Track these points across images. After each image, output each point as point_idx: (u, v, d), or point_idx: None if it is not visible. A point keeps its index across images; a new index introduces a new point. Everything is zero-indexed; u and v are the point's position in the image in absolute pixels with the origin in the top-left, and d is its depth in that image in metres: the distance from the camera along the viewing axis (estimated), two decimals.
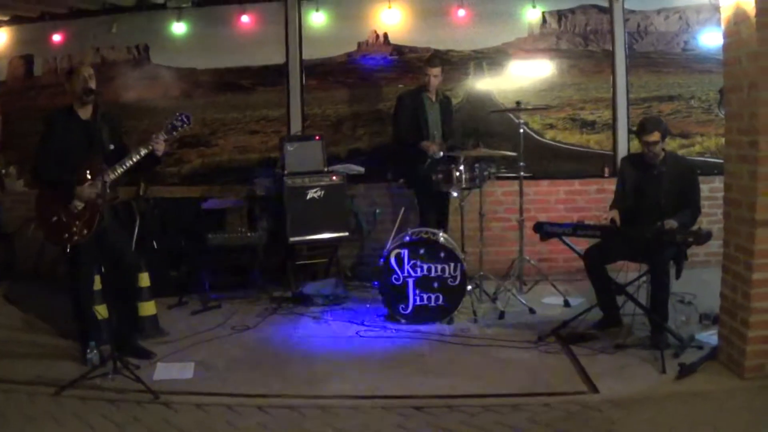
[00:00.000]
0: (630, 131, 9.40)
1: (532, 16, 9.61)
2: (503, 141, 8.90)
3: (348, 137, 9.93)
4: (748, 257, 5.48)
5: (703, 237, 5.89)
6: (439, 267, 7.31)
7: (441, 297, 7.32)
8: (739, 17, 5.50)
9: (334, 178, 8.77)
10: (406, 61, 9.82)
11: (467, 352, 6.55)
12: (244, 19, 9.78)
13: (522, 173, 8.37)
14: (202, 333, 7.21)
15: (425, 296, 7.34)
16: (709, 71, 9.37)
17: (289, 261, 8.90)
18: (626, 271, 6.72)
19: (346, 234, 8.81)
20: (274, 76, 9.97)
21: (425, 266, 7.33)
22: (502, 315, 7.54)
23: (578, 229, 6.55)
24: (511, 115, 8.77)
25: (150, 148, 6.24)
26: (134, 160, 6.20)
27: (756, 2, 5.24)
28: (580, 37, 9.67)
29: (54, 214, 6.11)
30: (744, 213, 5.54)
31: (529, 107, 8.85)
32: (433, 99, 8.65)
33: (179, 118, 6.47)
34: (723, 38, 5.85)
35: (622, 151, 9.41)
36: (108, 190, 6.03)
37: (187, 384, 5.87)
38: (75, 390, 5.60)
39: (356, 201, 9.52)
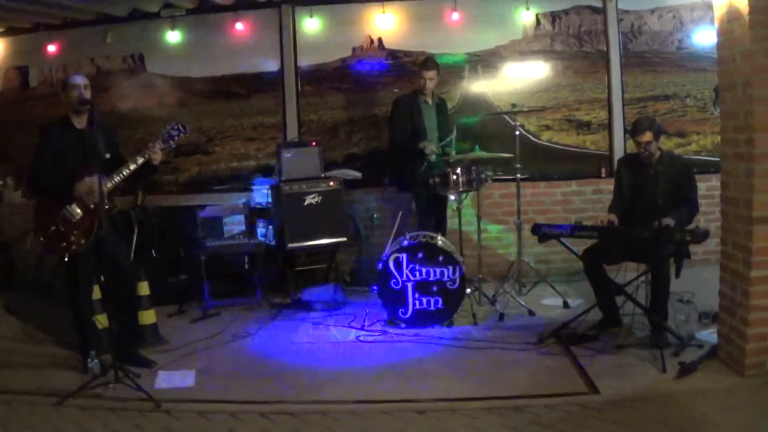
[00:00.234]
0: (626, 131, 9.39)
1: (525, 18, 9.63)
2: (500, 143, 8.90)
3: (344, 142, 9.94)
4: (746, 255, 5.49)
5: (701, 235, 5.90)
6: (438, 270, 7.31)
7: (440, 300, 7.32)
8: (732, 15, 5.52)
9: (331, 183, 8.78)
10: (400, 66, 9.82)
11: (468, 355, 6.55)
12: (239, 26, 9.79)
13: (519, 175, 8.38)
14: (202, 341, 7.20)
15: (425, 300, 7.34)
16: (703, 70, 9.39)
17: (287, 267, 8.91)
18: (625, 271, 6.73)
19: (345, 239, 8.82)
20: (270, 82, 9.98)
21: (424, 270, 7.32)
22: (501, 317, 7.55)
23: (576, 230, 6.55)
24: (507, 117, 8.78)
25: (146, 157, 6.27)
26: (131, 169, 6.23)
27: (749, 0, 5.26)
28: (574, 38, 9.68)
29: (52, 223, 6.11)
30: (741, 211, 5.55)
31: (525, 109, 8.86)
32: (429, 102, 8.65)
33: (175, 127, 6.50)
34: (717, 37, 5.86)
35: (618, 152, 9.43)
36: (106, 199, 6.04)
37: (189, 392, 5.87)
38: (76, 399, 5.60)
39: (354, 206, 9.56)
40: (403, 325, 7.35)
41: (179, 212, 9.39)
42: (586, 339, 6.60)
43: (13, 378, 6.25)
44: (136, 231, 8.65)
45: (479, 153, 7.83)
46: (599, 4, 9.59)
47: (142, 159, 6.25)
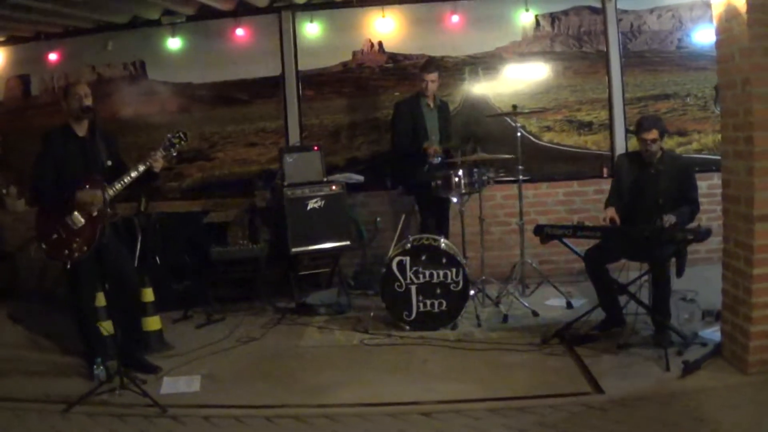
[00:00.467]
0: (627, 131, 9.44)
1: (525, 19, 9.65)
2: (501, 145, 8.89)
3: (346, 146, 9.96)
4: (748, 253, 5.51)
5: (703, 234, 5.91)
6: (441, 273, 7.33)
7: (444, 302, 7.33)
8: (730, 14, 5.53)
9: (333, 187, 8.79)
10: (401, 69, 9.84)
11: (472, 357, 6.56)
12: (239, 32, 9.82)
13: (520, 176, 8.39)
14: (207, 346, 7.21)
15: (428, 302, 7.35)
16: (703, 68, 9.40)
17: (291, 272, 8.92)
18: (627, 271, 6.74)
19: (348, 243, 8.82)
20: (271, 87, 10.00)
21: (427, 272, 7.34)
22: (505, 318, 7.56)
23: (578, 230, 6.56)
24: (508, 119, 8.79)
25: (148, 164, 6.29)
26: (132, 176, 6.25)
27: None
28: (573, 39, 9.70)
29: (54, 231, 6.13)
30: (742, 209, 5.57)
31: (526, 111, 8.87)
32: (431, 105, 8.69)
33: (177, 135, 6.53)
34: (715, 35, 5.88)
35: (619, 151, 9.40)
36: (108, 207, 6.07)
37: (194, 397, 5.90)
38: (83, 406, 5.62)
39: (356, 210, 9.57)
40: (407, 328, 7.36)
41: (183, 218, 9.42)
42: (590, 339, 6.62)
43: (19, 385, 6.29)
44: (139, 238, 8.65)
45: (481, 155, 7.85)
46: (598, 5, 9.60)
47: (144, 167, 6.28)
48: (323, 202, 8.70)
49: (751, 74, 5.34)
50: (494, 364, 6.33)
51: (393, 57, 9.85)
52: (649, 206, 6.41)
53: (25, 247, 9.61)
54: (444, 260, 7.34)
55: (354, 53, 9.89)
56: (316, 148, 9.10)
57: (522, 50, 9.75)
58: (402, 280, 7.36)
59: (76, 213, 6.12)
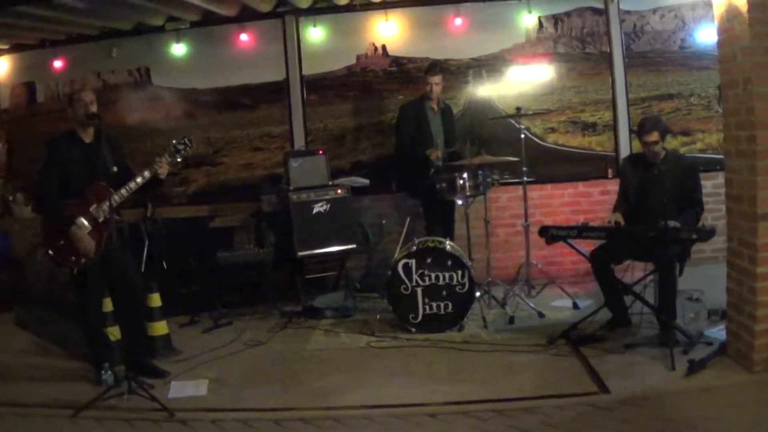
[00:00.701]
0: (631, 131, 9.44)
1: (528, 21, 9.66)
2: (506, 147, 8.92)
3: (351, 150, 9.98)
4: (751, 251, 5.52)
5: (707, 234, 5.94)
6: (447, 275, 7.34)
7: (450, 305, 7.35)
8: (731, 14, 5.55)
9: (339, 191, 8.81)
10: (405, 72, 9.86)
11: (478, 358, 6.58)
12: (243, 37, 9.86)
13: (525, 178, 8.41)
14: (214, 350, 7.24)
15: (434, 305, 7.37)
16: (707, 68, 9.40)
17: (297, 275, 8.96)
18: (632, 271, 6.76)
19: (354, 246, 8.84)
20: (275, 92, 10.02)
21: (433, 275, 7.36)
22: (511, 320, 7.57)
23: (583, 231, 6.59)
24: (512, 121, 8.80)
25: (153, 171, 6.32)
26: (137, 182, 6.29)
27: None
28: (577, 40, 9.71)
29: (61, 237, 6.16)
30: (745, 208, 5.58)
31: (530, 112, 8.88)
32: (435, 108, 8.71)
33: (182, 141, 6.57)
34: (717, 35, 5.89)
35: (624, 152, 9.43)
36: (114, 213, 6.10)
37: (202, 401, 5.92)
38: (91, 411, 5.66)
39: (362, 213, 9.59)
40: (413, 330, 7.37)
41: (189, 223, 9.45)
42: (596, 339, 6.63)
43: (27, 391, 6.32)
44: (146, 243, 8.69)
45: (485, 157, 7.87)
46: (601, 6, 9.61)
47: (149, 173, 6.32)
48: (329, 205, 8.72)
49: (753, 73, 5.35)
50: (500, 365, 6.35)
51: (397, 60, 9.87)
52: (653, 206, 6.44)
53: (32, 253, 9.65)
54: (449, 262, 7.36)
55: (358, 57, 9.92)
56: (321, 152, 9.12)
57: (525, 52, 9.76)
58: (408, 283, 7.38)
59: (81, 219, 6.15)
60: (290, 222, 8.62)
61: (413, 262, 7.38)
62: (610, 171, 9.57)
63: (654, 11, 9.62)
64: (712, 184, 8.54)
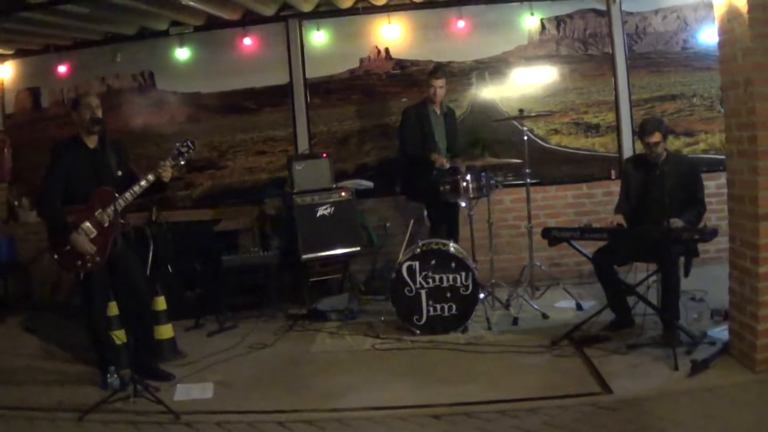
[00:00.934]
0: (634, 133, 9.44)
1: (530, 23, 9.69)
2: (509, 149, 8.96)
3: (355, 153, 10.01)
4: (753, 252, 5.53)
5: (709, 234, 5.94)
6: (451, 277, 7.36)
7: (454, 306, 7.36)
8: (732, 14, 5.57)
9: (343, 194, 8.84)
10: (408, 75, 9.89)
11: (482, 360, 6.60)
12: (246, 41, 9.89)
13: (528, 180, 8.43)
14: (219, 353, 7.27)
15: (438, 306, 7.38)
16: (709, 68, 9.39)
17: (302, 278, 8.97)
18: (635, 272, 6.77)
19: (358, 249, 8.88)
20: (279, 96, 10.06)
21: (437, 277, 7.38)
22: (515, 321, 7.59)
23: (585, 232, 6.60)
24: (516, 123, 8.82)
25: (157, 174, 6.34)
26: (142, 186, 6.30)
27: None
28: (579, 42, 9.73)
29: (66, 242, 6.18)
30: (747, 208, 5.59)
31: (532, 114, 8.90)
32: (438, 112, 8.72)
33: (185, 144, 6.59)
34: (718, 35, 5.92)
35: (627, 153, 9.44)
36: (119, 217, 6.14)
37: (208, 403, 5.95)
38: (97, 414, 5.68)
39: (366, 215, 9.61)
40: (417, 332, 7.38)
41: (194, 227, 9.47)
42: (599, 340, 6.64)
43: (34, 394, 6.34)
44: (151, 247, 8.71)
45: (488, 159, 7.89)
46: (603, 7, 9.63)
47: (153, 177, 6.34)
48: (333, 208, 8.75)
49: (754, 74, 5.37)
50: (504, 366, 6.37)
51: (400, 63, 9.91)
52: (655, 207, 6.46)
53: (39, 258, 9.69)
54: (453, 264, 7.38)
55: (361, 60, 9.96)
56: (324, 155, 9.13)
57: (528, 54, 9.79)
58: (412, 285, 7.40)
59: (87, 223, 6.18)
60: (294, 225, 8.64)
61: (417, 264, 7.40)
62: (613, 172, 9.58)
63: (656, 12, 9.64)
64: (715, 185, 8.56)
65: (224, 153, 10.20)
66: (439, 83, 8.59)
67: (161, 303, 7.26)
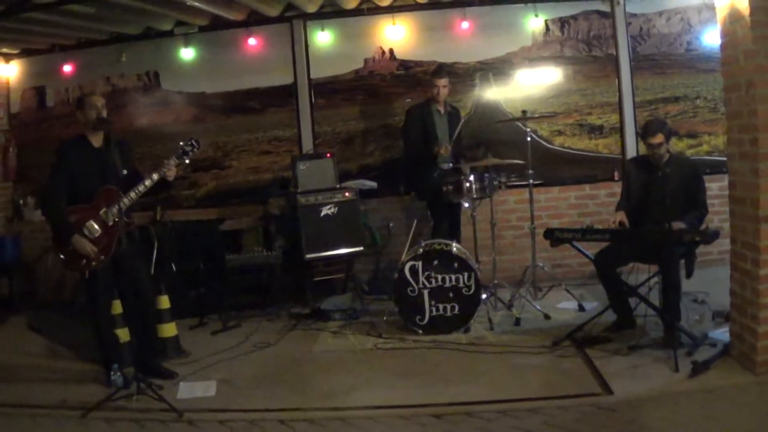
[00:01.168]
0: (638, 134, 9.43)
1: (534, 24, 9.69)
2: (513, 150, 8.97)
3: (359, 153, 10.03)
4: (755, 253, 5.55)
5: (710, 236, 5.96)
6: (454, 277, 7.38)
7: (456, 306, 7.39)
8: (734, 16, 5.59)
9: (346, 194, 8.85)
10: (412, 76, 9.92)
11: (484, 360, 6.62)
12: (251, 41, 9.91)
13: (531, 181, 8.44)
14: (223, 352, 7.30)
15: (441, 306, 7.41)
16: (713, 70, 9.38)
17: (306, 278, 8.99)
18: (637, 273, 6.79)
19: (361, 248, 8.89)
20: (283, 96, 10.08)
21: (440, 277, 7.40)
22: (517, 322, 7.61)
23: (587, 233, 6.62)
24: (519, 124, 8.82)
25: (161, 173, 6.37)
26: (146, 185, 6.32)
27: (750, 1, 5.33)
28: (583, 43, 9.74)
29: (70, 242, 6.22)
30: (748, 210, 5.61)
31: (536, 115, 8.93)
32: (442, 111, 8.74)
33: (189, 143, 6.61)
34: (720, 38, 5.94)
35: (630, 154, 9.43)
36: (123, 217, 6.17)
37: (210, 401, 5.98)
38: (100, 412, 5.73)
39: (370, 215, 9.63)
40: (420, 332, 7.41)
41: (198, 226, 9.50)
42: (601, 341, 6.66)
43: (37, 392, 6.39)
44: (156, 246, 8.74)
45: (491, 160, 7.91)
46: (607, 9, 9.65)
47: (157, 175, 6.36)
48: (336, 208, 8.76)
49: (755, 76, 5.39)
50: (506, 366, 6.39)
51: (404, 64, 9.93)
52: (657, 208, 6.47)
53: (43, 257, 9.74)
54: (456, 265, 7.40)
55: (365, 61, 9.98)
56: (328, 155, 9.15)
57: (532, 55, 9.81)
58: (415, 285, 7.42)
59: (92, 222, 6.21)
60: (298, 225, 8.67)
61: (420, 264, 7.43)
62: (616, 173, 9.58)
63: (660, 14, 9.65)
64: (718, 187, 8.56)
65: (229, 153, 10.23)
66: (442, 83, 8.61)
67: (165, 302, 7.29)
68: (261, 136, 10.19)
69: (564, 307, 8.15)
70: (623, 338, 6.66)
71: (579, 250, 7.01)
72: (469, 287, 7.36)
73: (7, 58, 10.54)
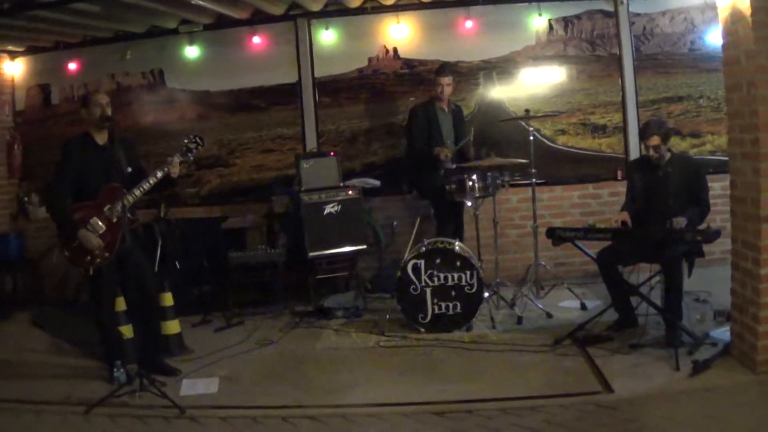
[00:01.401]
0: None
1: (538, 23, 9.70)
2: (516, 148, 8.97)
3: (363, 152, 10.05)
4: (755, 253, 5.57)
5: (712, 235, 5.96)
6: (456, 275, 7.40)
7: (459, 305, 7.41)
8: (735, 17, 5.61)
9: (350, 192, 8.85)
10: (416, 74, 9.93)
11: (485, 358, 6.64)
12: (256, 40, 9.94)
13: (534, 180, 8.46)
14: (226, 349, 7.32)
15: (443, 305, 7.43)
16: (716, 70, 9.32)
17: (309, 276, 9.01)
18: (638, 272, 6.81)
19: (364, 247, 8.89)
20: (288, 94, 10.10)
21: (442, 275, 7.42)
22: (519, 320, 7.62)
23: (589, 232, 6.62)
24: (523, 123, 8.84)
25: (165, 171, 6.39)
26: (151, 183, 6.35)
27: (751, 1, 5.35)
28: (587, 43, 9.75)
29: (76, 238, 6.25)
30: (749, 209, 5.63)
31: (539, 114, 8.95)
32: (446, 110, 8.77)
33: (193, 140, 6.64)
34: (722, 38, 5.96)
35: (633, 154, 9.45)
36: (128, 214, 6.20)
37: (213, 398, 6.01)
38: (104, 408, 5.76)
39: (373, 214, 9.65)
40: (422, 330, 7.43)
41: (202, 224, 9.53)
42: (602, 340, 6.67)
43: (42, 388, 6.42)
44: (159, 243, 8.77)
45: (494, 159, 7.93)
46: (611, 8, 9.65)
47: (161, 173, 6.39)
48: (340, 206, 8.77)
49: (756, 76, 5.40)
50: (507, 364, 6.41)
51: (408, 63, 9.94)
52: (659, 208, 6.49)
53: (48, 254, 9.77)
54: (458, 263, 7.42)
55: (369, 59, 9.99)
56: (332, 153, 9.17)
57: (536, 54, 9.82)
58: (417, 283, 7.45)
59: (96, 219, 6.24)
60: (302, 223, 8.68)
61: (422, 262, 7.45)
62: (619, 173, 9.59)
63: (663, 14, 9.66)
64: (721, 186, 8.52)
65: (233, 151, 10.26)
66: (446, 81, 8.63)
67: (168, 299, 7.33)
68: (265, 135, 10.21)
69: (566, 305, 8.16)
70: (625, 337, 6.68)
71: (581, 250, 7.03)
72: (471, 286, 7.38)
73: (13, 55, 10.58)
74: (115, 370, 6.23)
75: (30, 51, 10.53)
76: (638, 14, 9.67)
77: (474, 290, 7.39)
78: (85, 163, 6.36)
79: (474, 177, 7.84)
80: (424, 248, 7.60)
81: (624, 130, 9.73)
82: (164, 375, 6.42)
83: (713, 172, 8.43)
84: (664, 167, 6.57)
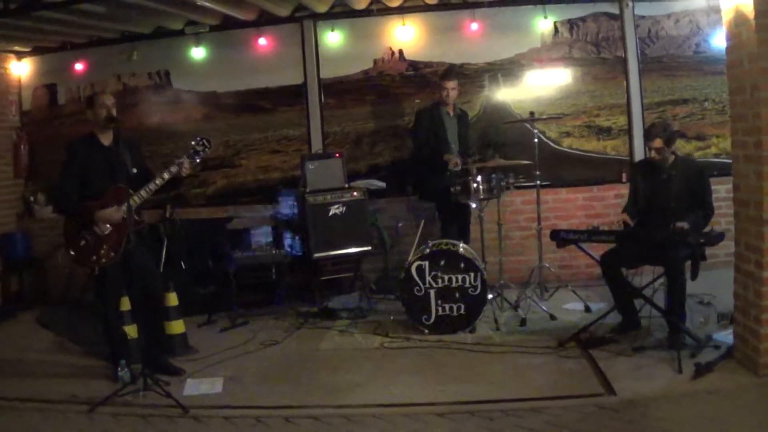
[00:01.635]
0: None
1: (544, 26, 9.71)
2: (522, 150, 8.97)
3: (368, 153, 10.06)
4: (758, 256, 5.57)
5: (715, 238, 5.98)
6: (460, 277, 7.41)
7: (463, 306, 7.41)
8: (739, 20, 5.62)
9: (355, 193, 8.86)
10: (422, 76, 9.95)
11: (489, 360, 6.65)
12: (262, 41, 9.96)
13: (539, 182, 8.46)
14: (230, 349, 7.34)
15: (447, 306, 7.44)
16: (721, 73, 9.26)
17: (314, 276, 9.04)
18: (642, 275, 6.81)
19: (369, 248, 8.90)
20: (293, 96, 10.12)
21: (446, 277, 7.43)
22: (523, 322, 7.63)
23: (593, 235, 6.63)
24: (528, 125, 8.84)
25: (173, 172, 6.42)
26: (157, 184, 6.38)
27: (755, 5, 5.35)
28: (592, 45, 9.76)
29: (82, 237, 6.28)
30: (752, 212, 5.63)
31: (544, 117, 8.96)
32: (451, 113, 8.77)
33: (200, 142, 6.66)
34: (726, 41, 5.98)
35: (638, 156, 9.45)
36: (133, 214, 6.21)
37: (216, 398, 6.03)
38: (107, 407, 5.79)
39: (378, 215, 9.67)
40: (426, 331, 7.44)
41: (207, 225, 9.56)
42: (606, 342, 6.68)
43: (46, 387, 6.45)
44: (165, 244, 8.80)
45: (499, 161, 7.94)
46: (616, 11, 9.65)
47: (169, 175, 6.41)
48: (345, 208, 8.77)
49: (760, 79, 5.41)
50: (510, 366, 6.42)
51: (413, 65, 9.96)
52: (662, 210, 6.49)
53: (54, 253, 9.80)
54: (462, 265, 7.43)
55: (375, 61, 10.01)
56: (337, 155, 9.17)
57: (541, 57, 9.82)
58: (421, 285, 7.46)
59: (99, 222, 6.26)
60: (307, 224, 8.70)
61: (426, 264, 7.46)
62: (624, 175, 9.56)
63: (668, 16, 9.66)
64: (725, 189, 8.48)
65: (238, 152, 10.28)
66: (451, 85, 8.64)
67: (173, 299, 7.35)
68: (271, 136, 10.24)
69: (570, 307, 8.17)
70: (628, 339, 6.69)
71: (585, 252, 7.05)
72: (475, 287, 7.39)
73: (19, 55, 10.61)
74: (119, 369, 6.25)
75: (36, 51, 10.57)
76: (643, 17, 9.67)
77: (478, 292, 7.39)
78: (90, 163, 6.38)
79: (479, 179, 7.84)
80: (428, 250, 7.60)
81: (629, 132, 9.73)
82: (168, 375, 6.45)
83: (718, 174, 8.45)
84: (668, 170, 6.57)
